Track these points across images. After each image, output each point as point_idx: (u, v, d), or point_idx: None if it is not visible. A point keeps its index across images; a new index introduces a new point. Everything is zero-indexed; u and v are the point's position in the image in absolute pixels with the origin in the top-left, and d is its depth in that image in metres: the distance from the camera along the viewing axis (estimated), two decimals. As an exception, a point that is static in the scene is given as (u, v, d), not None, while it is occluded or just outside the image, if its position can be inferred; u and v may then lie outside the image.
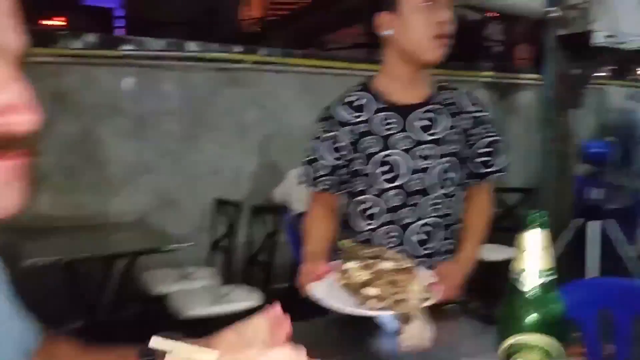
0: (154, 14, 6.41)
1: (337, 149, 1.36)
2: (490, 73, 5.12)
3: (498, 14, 6.48)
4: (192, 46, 3.79)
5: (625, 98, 5.75)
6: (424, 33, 1.26)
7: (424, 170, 1.31)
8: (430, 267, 1.29)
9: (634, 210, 3.44)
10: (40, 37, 3.37)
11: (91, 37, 3.48)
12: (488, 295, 3.90)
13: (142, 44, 3.64)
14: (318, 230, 1.38)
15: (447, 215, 1.34)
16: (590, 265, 2.92)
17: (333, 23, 9.97)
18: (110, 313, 2.79)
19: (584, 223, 3.20)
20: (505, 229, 3.94)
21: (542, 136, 4.37)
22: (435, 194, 1.32)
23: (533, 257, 0.71)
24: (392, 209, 1.32)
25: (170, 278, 2.98)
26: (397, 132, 1.31)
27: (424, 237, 1.33)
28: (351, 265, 1.11)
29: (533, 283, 0.71)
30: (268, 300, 2.69)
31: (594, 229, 3.11)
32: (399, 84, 1.34)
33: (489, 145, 1.37)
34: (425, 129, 1.32)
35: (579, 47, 4.31)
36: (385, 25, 1.31)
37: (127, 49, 3.58)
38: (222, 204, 3.41)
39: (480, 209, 1.40)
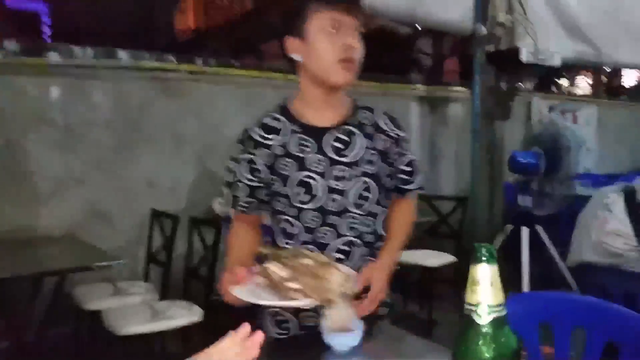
0: (83, 20, 6.17)
1: (254, 171, 1.37)
2: (422, 86, 5.28)
3: (425, 28, 6.70)
4: (123, 55, 3.67)
5: (549, 110, 6.11)
6: (330, 57, 1.28)
7: (340, 191, 1.33)
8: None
9: (560, 217, 3.62)
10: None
11: (13, 44, 3.30)
12: (425, 299, 4.01)
13: (70, 52, 3.49)
14: (239, 243, 1.42)
15: (366, 234, 1.37)
16: (524, 270, 3.05)
17: (270, 32, 9.99)
18: (40, 332, 2.64)
19: (517, 229, 3.34)
20: (440, 236, 4.11)
21: (472, 147, 4.55)
22: (352, 214, 1.34)
23: (484, 292, 0.76)
24: (310, 230, 1.34)
25: (104, 293, 2.86)
26: (312, 154, 1.33)
27: (342, 256, 1.34)
28: (272, 264, 1.14)
29: (486, 318, 0.75)
30: (208, 315, 2.63)
31: (524, 234, 3.25)
32: (313, 106, 1.36)
33: (408, 164, 1.43)
34: (339, 150, 1.34)
35: (506, 62, 4.53)
36: (294, 50, 1.33)
37: (54, 57, 3.42)
38: (158, 216, 3.31)
39: (401, 218, 1.45)
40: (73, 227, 3.36)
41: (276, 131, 1.36)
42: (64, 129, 3.46)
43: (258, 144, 1.36)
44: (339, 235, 1.33)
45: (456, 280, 3.83)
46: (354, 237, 1.34)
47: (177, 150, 3.80)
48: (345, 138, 1.35)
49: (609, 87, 9.17)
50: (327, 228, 1.33)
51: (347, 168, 1.33)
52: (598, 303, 1.32)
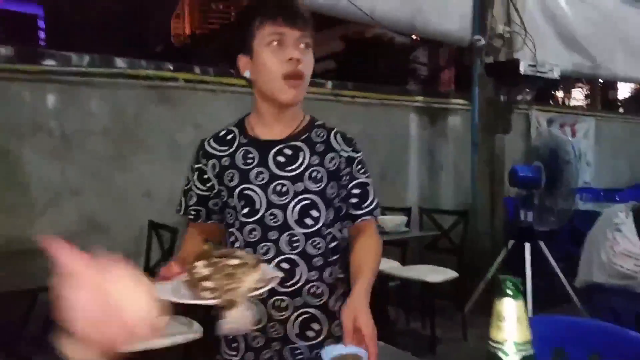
0: (78, 26, 6.12)
1: (204, 180, 1.38)
2: (420, 97, 5.26)
3: (424, 39, 6.70)
4: (119, 62, 3.62)
5: (547, 123, 6.11)
6: (274, 73, 1.26)
7: (280, 206, 1.30)
8: (300, 310, 1.31)
9: (562, 232, 3.61)
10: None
11: (7, 50, 3.24)
12: (427, 315, 3.96)
13: (65, 59, 3.43)
14: (186, 246, 1.43)
15: (312, 255, 1.31)
16: (528, 286, 3.02)
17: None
18: (35, 347, 2.57)
19: (519, 244, 3.32)
20: (441, 251, 4.07)
21: (472, 160, 4.54)
22: (293, 232, 1.30)
23: (510, 328, 0.72)
24: (252, 244, 1.32)
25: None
26: (254, 167, 1.32)
27: (283, 274, 1.28)
28: (198, 263, 1.12)
29: (513, 357, 0.72)
30: (207, 332, 2.57)
31: (527, 250, 3.22)
32: (263, 120, 1.36)
33: (358, 186, 1.38)
34: (283, 165, 1.32)
35: (505, 74, 4.53)
36: (245, 67, 1.33)
37: (49, 64, 3.36)
38: (156, 228, 3.25)
39: (365, 247, 1.37)
40: (70, 238, 3.20)
41: (228, 143, 1.37)
42: (60, 137, 3.40)
43: (208, 155, 1.37)
44: (279, 252, 1.30)
45: (458, 296, 3.80)
46: (295, 255, 1.30)
47: (174, 160, 3.74)
48: (291, 153, 1.33)
49: (604, 99, 9.22)
50: (268, 243, 1.30)
51: (288, 183, 1.30)
52: (614, 329, 1.29)
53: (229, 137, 1.38)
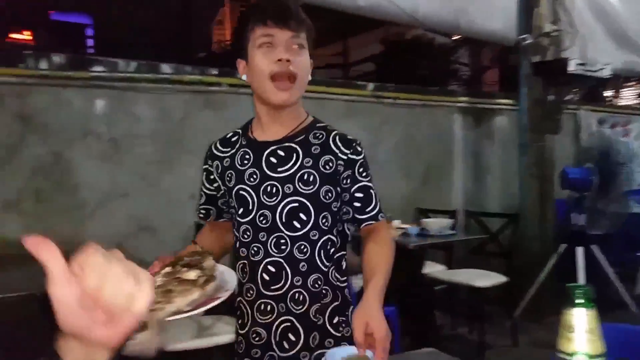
0: (125, 33, 6.28)
1: (211, 181, 1.42)
2: (464, 98, 5.16)
3: (467, 38, 6.57)
4: (165, 68, 3.69)
5: (598, 123, 5.91)
6: (263, 74, 1.26)
7: (270, 207, 1.29)
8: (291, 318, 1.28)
9: (616, 236, 3.47)
10: (6, 57, 3.23)
11: (59, 57, 3.36)
12: (475, 321, 3.86)
13: (113, 65, 3.53)
14: (190, 246, 1.43)
15: (299, 260, 1.29)
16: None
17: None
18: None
19: (571, 248, 3.20)
20: (489, 254, 3.98)
21: (520, 162, 4.42)
22: (279, 234, 1.29)
23: (580, 339, 0.69)
24: (244, 244, 1.33)
25: (148, 308, 2.82)
26: (249, 168, 1.33)
27: (267, 277, 1.30)
28: (164, 270, 1.10)
29: None
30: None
31: (580, 254, 3.11)
32: (261, 122, 1.36)
33: (361, 189, 1.33)
34: (275, 165, 1.31)
35: (553, 73, 4.40)
36: (242, 71, 1.35)
37: (97, 70, 3.46)
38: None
39: (374, 251, 1.31)
40: (119, 239, 3.37)
41: (231, 145, 1.40)
42: (109, 142, 3.50)
43: (214, 156, 1.41)
44: (267, 255, 1.29)
45: (507, 301, 3.70)
46: (282, 258, 1.28)
47: (219, 163, 3.79)
48: (284, 154, 1.32)
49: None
50: (257, 245, 1.30)
51: (278, 184, 1.29)
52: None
53: (234, 139, 1.41)
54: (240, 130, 1.42)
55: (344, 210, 1.34)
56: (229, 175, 1.35)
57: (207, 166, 1.42)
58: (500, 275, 3.51)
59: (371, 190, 1.34)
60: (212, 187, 1.42)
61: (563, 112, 4.55)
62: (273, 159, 1.31)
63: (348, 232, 1.38)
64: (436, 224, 3.61)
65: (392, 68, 6.94)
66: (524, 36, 4.47)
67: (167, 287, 1.03)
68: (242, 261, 1.34)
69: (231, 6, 9.65)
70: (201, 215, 1.46)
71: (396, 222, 3.63)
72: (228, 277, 1.13)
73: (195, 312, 1.02)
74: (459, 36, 6.61)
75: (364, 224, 1.33)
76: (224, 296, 1.08)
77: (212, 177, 1.41)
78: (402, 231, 3.51)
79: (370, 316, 1.14)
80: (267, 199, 1.29)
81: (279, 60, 1.24)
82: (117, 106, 3.54)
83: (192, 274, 1.07)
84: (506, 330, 3.57)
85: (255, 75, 1.27)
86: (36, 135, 3.26)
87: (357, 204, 1.33)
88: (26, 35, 5.83)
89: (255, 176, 1.31)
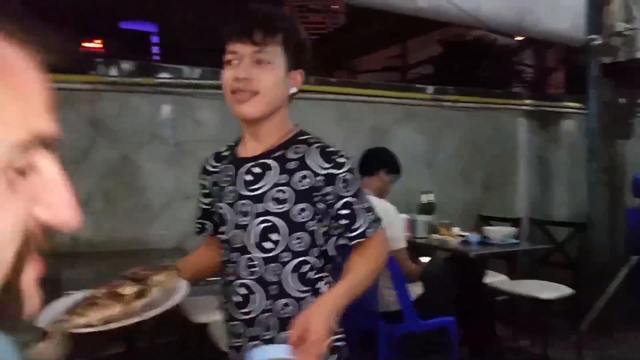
0: (189, 42, 6.48)
1: (205, 195, 1.41)
2: (529, 101, 4.99)
3: (529, 39, 6.35)
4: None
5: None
6: (227, 91, 1.24)
7: (242, 227, 1.25)
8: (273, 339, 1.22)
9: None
10: (78, 64, 3.40)
11: (128, 65, 3.51)
12: (538, 334, 3.74)
13: (178, 72, 3.65)
14: (194, 253, 1.48)
15: (269, 283, 1.22)
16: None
17: (364, 47, 10.00)
18: (150, 340, 2.73)
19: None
20: (554, 265, 3.82)
21: (589, 168, 4.23)
22: (251, 255, 1.23)
23: None
24: (224, 263, 1.30)
25: (210, 306, 2.89)
26: (228, 185, 1.30)
27: (240, 299, 1.25)
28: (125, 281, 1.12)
29: None
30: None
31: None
32: (243, 138, 1.34)
33: (345, 206, 1.24)
34: (248, 183, 1.26)
35: (625, 75, 4.19)
36: None
37: (163, 76, 3.59)
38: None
39: (356, 261, 1.25)
40: (182, 240, 3.48)
41: (221, 160, 1.37)
42: (174, 145, 3.62)
43: (207, 171, 1.40)
44: (239, 276, 1.25)
45: (573, 314, 3.54)
46: (252, 281, 1.23)
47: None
48: (259, 171, 1.26)
49: None
50: (232, 265, 1.27)
51: (251, 203, 1.24)
52: None
53: (225, 154, 1.38)
54: (232, 144, 1.39)
55: (335, 225, 1.26)
56: (216, 191, 1.35)
57: (201, 180, 1.42)
58: (565, 287, 3.36)
59: (355, 206, 1.24)
60: (206, 202, 1.40)
61: (636, 116, 4.33)
62: (248, 177, 1.27)
63: (334, 254, 1.29)
64: (499, 232, 3.50)
65: (452, 70, 6.81)
66: (593, 36, 4.28)
67: (94, 300, 1.06)
68: (222, 280, 1.33)
69: (290, 9, 9.81)
70: (197, 230, 1.46)
71: (456, 229, 3.56)
72: (173, 295, 1.15)
73: (105, 327, 1.03)
74: (523, 37, 6.41)
75: (352, 242, 1.26)
76: (149, 315, 1.08)
77: (205, 191, 1.40)
78: (462, 239, 3.44)
79: (311, 316, 1.10)
80: (241, 218, 1.25)
81: (236, 78, 1.22)
82: (182, 111, 3.66)
83: (127, 289, 1.09)
84: (571, 345, 3.41)
85: (224, 90, 1.26)
86: (106, 139, 3.42)
87: (343, 222, 1.25)
88: (97, 44, 6.13)
89: (233, 194, 1.28)
